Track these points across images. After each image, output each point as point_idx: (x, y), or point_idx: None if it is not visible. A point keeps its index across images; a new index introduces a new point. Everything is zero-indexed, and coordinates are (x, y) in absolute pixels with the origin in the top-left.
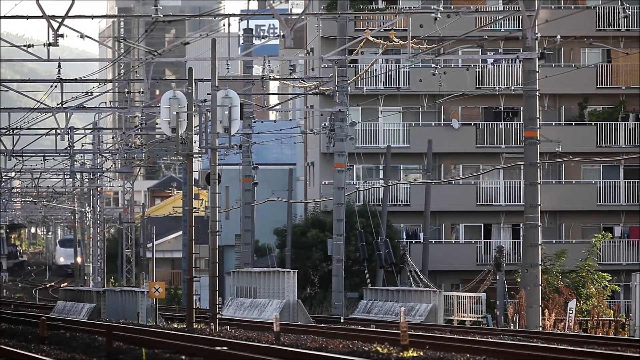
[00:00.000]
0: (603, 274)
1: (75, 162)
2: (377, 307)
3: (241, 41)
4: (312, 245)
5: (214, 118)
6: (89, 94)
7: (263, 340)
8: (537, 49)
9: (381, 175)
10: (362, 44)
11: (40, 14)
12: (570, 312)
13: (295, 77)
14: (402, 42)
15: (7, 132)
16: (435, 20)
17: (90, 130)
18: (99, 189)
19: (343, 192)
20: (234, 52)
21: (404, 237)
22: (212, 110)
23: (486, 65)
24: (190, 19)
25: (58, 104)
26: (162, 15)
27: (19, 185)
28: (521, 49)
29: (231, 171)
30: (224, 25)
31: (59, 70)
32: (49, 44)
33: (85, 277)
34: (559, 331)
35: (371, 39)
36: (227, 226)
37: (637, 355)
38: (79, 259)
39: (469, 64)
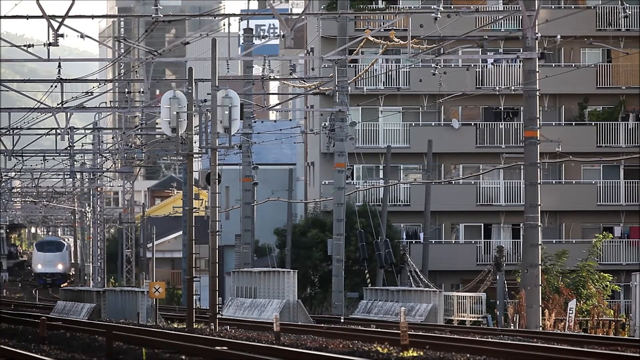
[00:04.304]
0: (604, 274)
1: (75, 162)
2: (377, 307)
3: (241, 41)
4: (312, 245)
5: (214, 118)
6: (89, 94)
7: (263, 340)
8: (537, 49)
9: (381, 175)
10: (362, 44)
11: (40, 13)
12: (570, 312)
13: (295, 77)
14: (402, 42)
15: (7, 132)
16: (435, 20)
17: (90, 130)
18: (99, 189)
19: (343, 192)
20: (234, 52)
21: (404, 237)
22: (212, 110)
23: (486, 65)
24: (190, 19)
25: (58, 104)
26: (162, 15)
27: (19, 185)
28: (521, 49)
29: (231, 171)
30: (224, 25)
31: (59, 70)
32: (49, 44)
33: (85, 277)
34: (559, 331)
35: (371, 39)
36: (227, 226)
37: (637, 355)
38: (60, 266)
39: (469, 64)
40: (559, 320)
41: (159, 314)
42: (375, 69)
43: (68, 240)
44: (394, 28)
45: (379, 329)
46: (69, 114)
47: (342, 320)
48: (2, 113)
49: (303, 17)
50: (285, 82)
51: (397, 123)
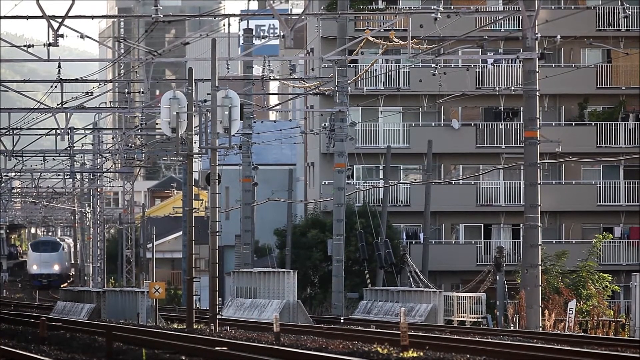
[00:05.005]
0: (604, 274)
1: (75, 163)
2: (377, 308)
3: (241, 41)
4: (312, 246)
5: (214, 118)
6: (89, 94)
7: (263, 340)
8: (537, 49)
9: (381, 176)
10: (362, 44)
11: (40, 14)
12: (570, 312)
13: (295, 77)
14: (402, 42)
15: (7, 132)
16: (435, 21)
17: (90, 131)
18: (99, 190)
19: (343, 193)
20: (234, 52)
21: (404, 237)
22: (212, 111)
23: (486, 65)
24: (190, 19)
25: (58, 104)
26: (162, 16)
27: (19, 186)
28: (521, 49)
29: (231, 171)
30: (224, 25)
31: (59, 70)
32: (49, 44)
33: (85, 278)
34: (559, 332)
35: (371, 39)
36: (227, 226)
37: (637, 355)
38: (57, 267)
39: (469, 64)
40: (559, 320)
41: (158, 314)
42: (375, 69)
43: (67, 240)
44: (394, 28)
45: (378, 330)
46: (68, 114)
47: (342, 321)
48: (2, 113)
49: (303, 17)
50: (285, 82)
51: (397, 123)
